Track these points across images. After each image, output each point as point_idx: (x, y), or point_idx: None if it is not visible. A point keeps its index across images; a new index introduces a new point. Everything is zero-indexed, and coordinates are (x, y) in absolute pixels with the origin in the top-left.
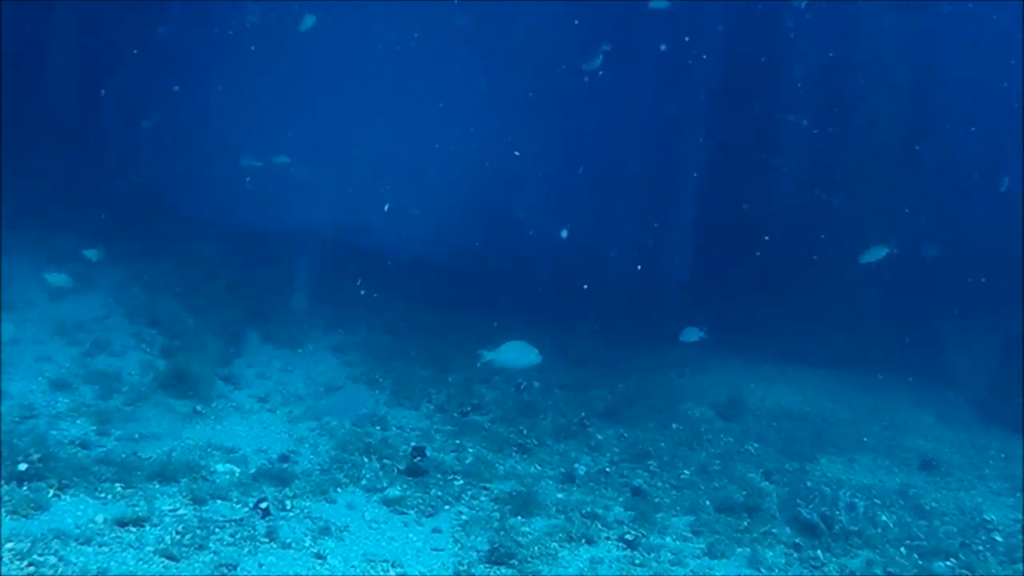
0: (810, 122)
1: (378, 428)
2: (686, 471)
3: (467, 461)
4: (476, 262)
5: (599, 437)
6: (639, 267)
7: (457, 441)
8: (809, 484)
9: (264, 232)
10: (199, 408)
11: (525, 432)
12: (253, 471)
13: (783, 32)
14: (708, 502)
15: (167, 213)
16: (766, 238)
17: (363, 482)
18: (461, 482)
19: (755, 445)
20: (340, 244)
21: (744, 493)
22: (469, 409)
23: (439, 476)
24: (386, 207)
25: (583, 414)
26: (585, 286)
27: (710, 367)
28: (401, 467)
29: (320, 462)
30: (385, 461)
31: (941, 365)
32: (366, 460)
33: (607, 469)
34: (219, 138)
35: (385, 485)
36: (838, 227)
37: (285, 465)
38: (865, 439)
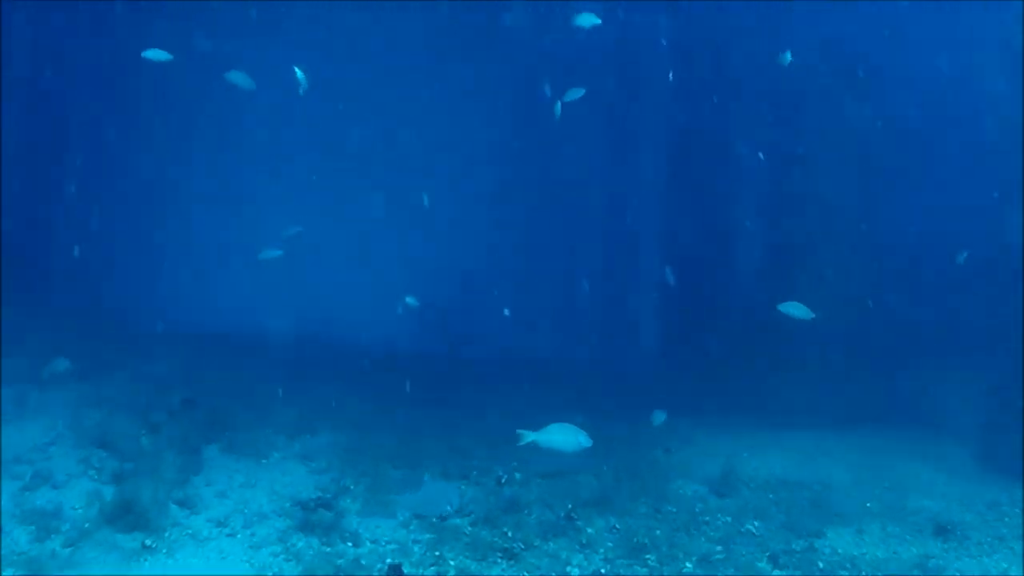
0: (778, 178)
1: (350, 544)
2: (687, 563)
3: (449, 575)
4: (446, 350)
5: (589, 531)
6: (611, 341)
7: (437, 552)
8: (821, 566)
9: (224, 334)
10: (149, 542)
11: (510, 534)
12: None
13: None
14: None
15: (120, 323)
16: (739, 300)
17: None
18: None
19: (756, 524)
20: (305, 341)
21: None
22: (448, 511)
23: None
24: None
25: (570, 505)
26: (557, 366)
27: (697, 439)
28: None
29: None
30: None
31: (931, 413)
32: None
33: (602, 570)
34: (180, 235)
35: None
36: (811, 284)
37: None
38: (869, 504)
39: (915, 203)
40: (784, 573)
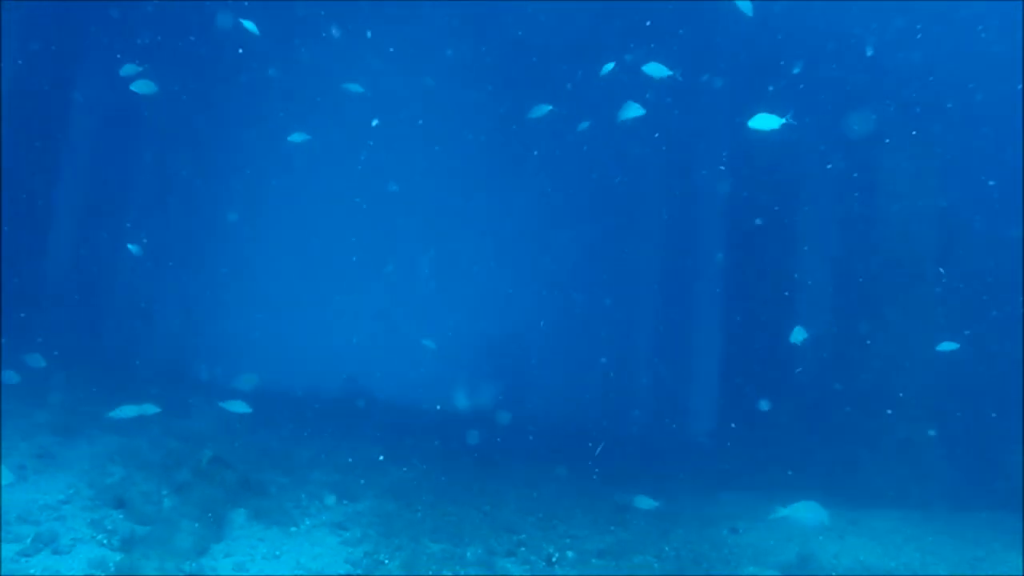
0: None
1: None
2: None
3: None
4: (499, 417)
5: None
6: (674, 413)
7: None
8: None
9: (267, 392)
10: None
11: None
12: None
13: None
14: None
15: (162, 376)
16: (799, 370)
17: None
18: None
19: None
20: (347, 400)
21: None
22: None
23: None
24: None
25: None
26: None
27: (765, 517)
28: None
29: None
30: None
31: (1018, 495)
32: None
33: None
34: (226, 294)
35: None
36: (879, 349)
37: None
38: None
39: None
40: None
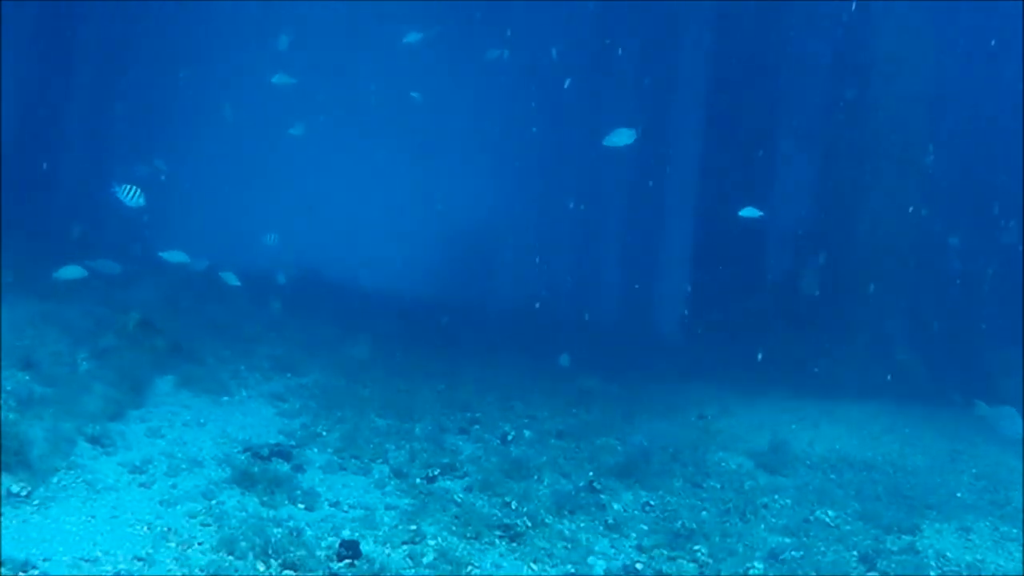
0: (822, 131)
1: (300, 507)
2: (754, 562)
3: (425, 560)
4: (456, 299)
5: (616, 507)
6: (635, 292)
7: (413, 526)
8: (935, 575)
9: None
10: (18, 488)
11: (514, 505)
12: None
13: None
14: None
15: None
16: (780, 258)
17: None
18: None
19: (830, 512)
20: (304, 280)
21: None
22: (438, 472)
23: None
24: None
25: (591, 473)
26: (583, 316)
27: (734, 407)
28: None
29: None
30: (287, 572)
31: (992, 392)
32: (259, 570)
33: (637, 563)
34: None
35: None
36: (859, 244)
37: None
38: (960, 495)
39: None
40: None
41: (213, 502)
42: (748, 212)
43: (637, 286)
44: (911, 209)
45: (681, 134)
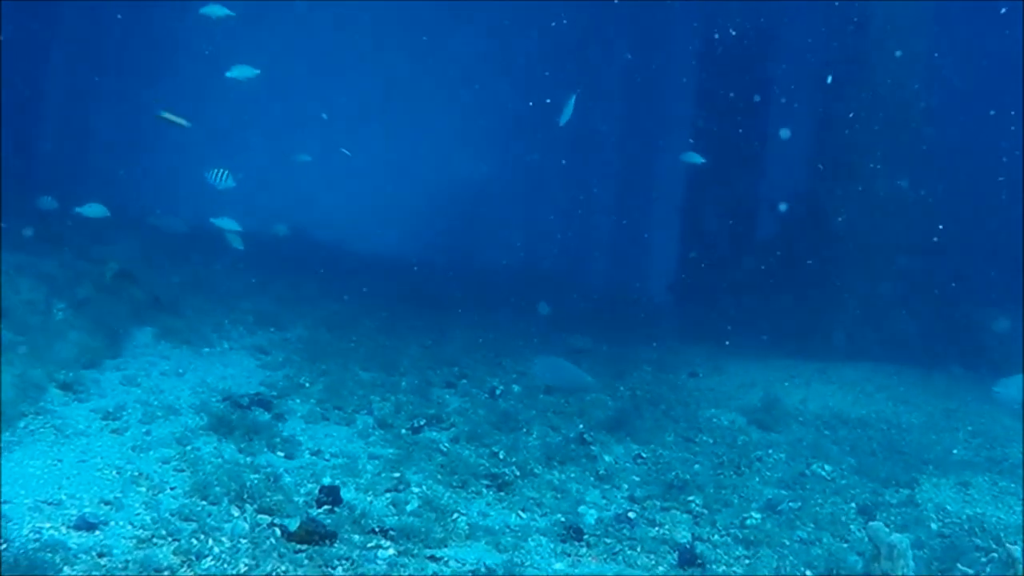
0: (820, 108)
1: (280, 455)
2: (752, 512)
3: (409, 507)
4: (446, 259)
5: (607, 459)
6: (628, 254)
7: (397, 474)
8: (935, 528)
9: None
10: None
11: (502, 455)
12: None
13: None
14: (810, 574)
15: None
16: (774, 223)
17: (205, 564)
18: (391, 552)
19: (826, 467)
20: (293, 239)
21: (857, 552)
22: (423, 423)
23: (354, 542)
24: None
25: (581, 427)
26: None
27: (726, 367)
28: (292, 526)
29: (147, 525)
30: (263, 517)
31: (986, 356)
32: (233, 515)
33: (630, 513)
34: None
35: (243, 571)
36: (853, 212)
37: (81, 537)
38: (956, 451)
39: None
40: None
41: (188, 448)
42: (690, 157)
43: (630, 248)
44: (904, 177)
45: (673, 98)
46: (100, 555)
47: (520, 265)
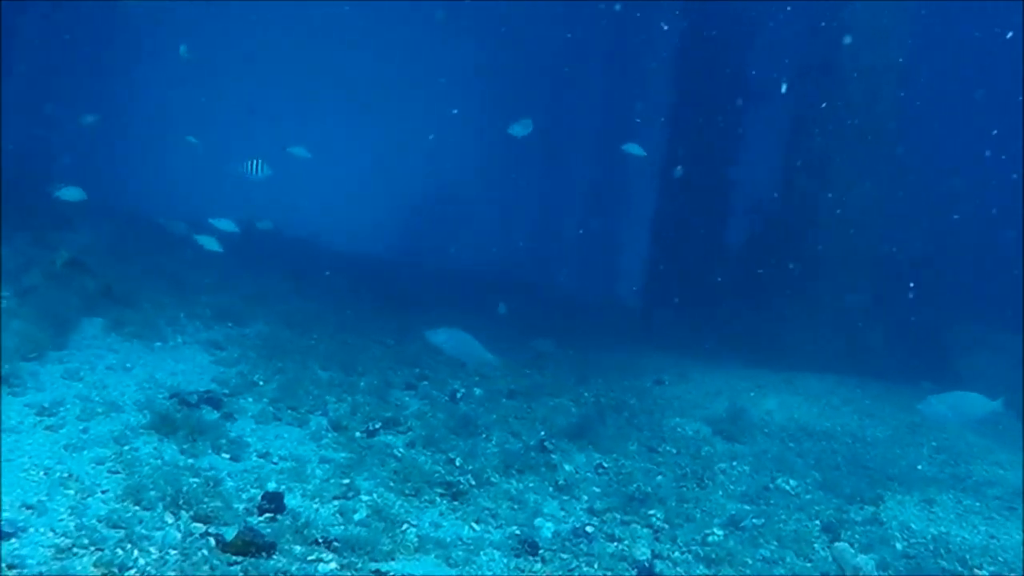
0: (792, 116)
1: (224, 457)
2: (714, 529)
3: (357, 516)
4: (413, 261)
5: (567, 468)
6: (595, 260)
7: (347, 480)
8: (900, 548)
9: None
10: None
11: (459, 462)
12: None
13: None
14: None
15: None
16: (742, 235)
17: None
18: (333, 566)
19: (790, 481)
20: (272, 235)
21: (822, 573)
22: (379, 426)
23: (295, 554)
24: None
25: (542, 433)
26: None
27: (692, 375)
28: (229, 535)
29: (69, 533)
30: (198, 525)
31: (951, 369)
32: (166, 522)
33: (588, 527)
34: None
35: None
36: (824, 224)
37: None
38: (920, 467)
39: None
40: (861, 557)
41: (126, 448)
42: (631, 148)
43: (597, 254)
44: (875, 185)
45: (645, 106)
46: (11, 567)
47: (491, 268)
